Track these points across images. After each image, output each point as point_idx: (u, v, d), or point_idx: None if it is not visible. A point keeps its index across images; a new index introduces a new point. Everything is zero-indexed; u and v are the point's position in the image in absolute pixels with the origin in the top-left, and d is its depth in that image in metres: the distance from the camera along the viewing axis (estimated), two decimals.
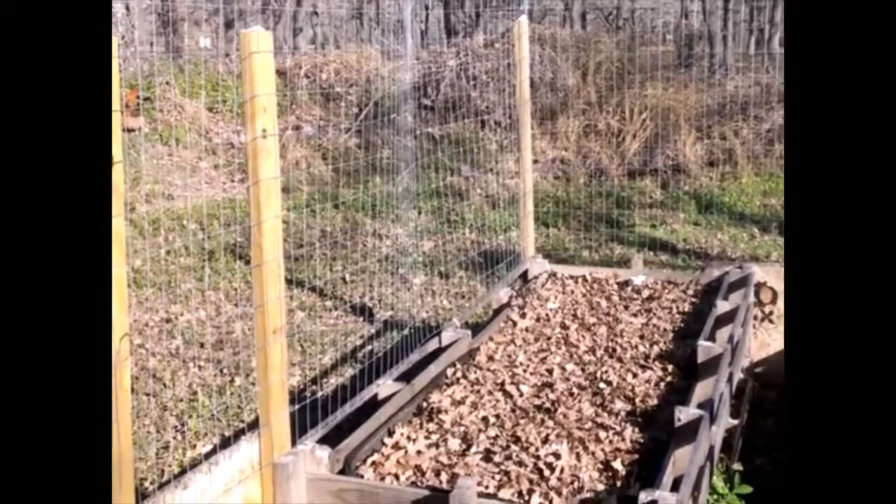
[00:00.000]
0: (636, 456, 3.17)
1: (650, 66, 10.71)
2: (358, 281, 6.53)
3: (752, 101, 10.90)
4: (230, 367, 4.96)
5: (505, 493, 2.86)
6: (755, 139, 9.86)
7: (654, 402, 3.74)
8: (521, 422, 3.38)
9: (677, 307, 4.83)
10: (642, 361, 4.11)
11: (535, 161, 9.14)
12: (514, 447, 3.15)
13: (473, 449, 3.14)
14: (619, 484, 2.96)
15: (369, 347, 5.41)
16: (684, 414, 3.28)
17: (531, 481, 2.91)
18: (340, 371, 5.11)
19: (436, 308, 6.02)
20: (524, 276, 5.35)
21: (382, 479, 2.99)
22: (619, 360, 4.10)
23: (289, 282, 6.10)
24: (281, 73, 11.35)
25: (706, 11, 16.11)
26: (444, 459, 3.08)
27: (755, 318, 5.40)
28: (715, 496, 3.70)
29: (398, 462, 3.08)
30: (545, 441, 3.19)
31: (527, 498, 2.82)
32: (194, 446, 4.10)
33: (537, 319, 4.60)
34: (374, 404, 3.50)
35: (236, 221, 6.96)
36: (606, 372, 3.92)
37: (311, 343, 5.41)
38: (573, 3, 17.27)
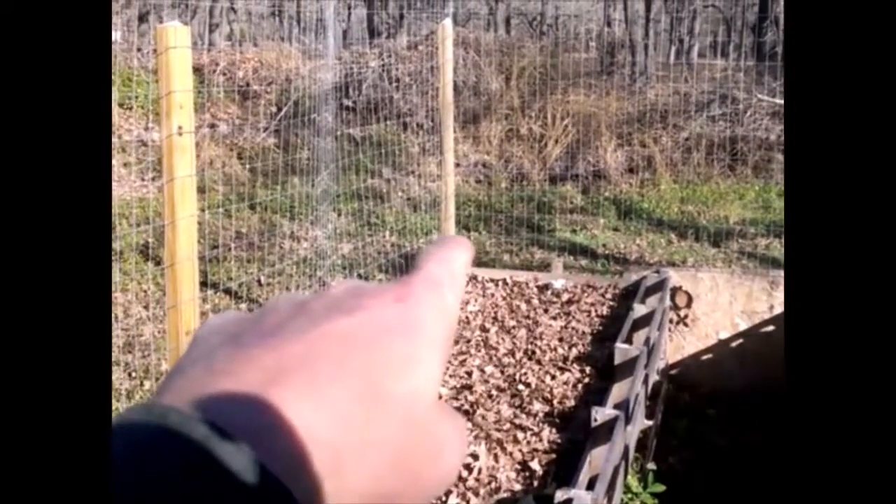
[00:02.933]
0: (553, 456, 3.25)
1: (573, 72, 10.94)
2: (274, 283, 6.48)
3: (671, 110, 11.25)
4: (139, 371, 4.87)
5: None
6: (674, 147, 10.18)
7: (572, 403, 3.83)
8: None
9: (596, 310, 4.96)
10: (561, 363, 4.21)
11: (458, 165, 9.22)
12: None
13: None
14: (535, 484, 3.03)
15: None
16: (601, 414, 3.39)
17: None
18: None
19: None
20: None
21: None
22: (538, 362, 4.19)
23: (202, 284, 6.00)
24: (196, 69, 11.15)
25: (628, 20, 16.55)
26: None
27: (671, 321, 5.59)
28: (629, 495, 3.82)
29: None
30: None
31: (444, 498, 2.87)
32: None
33: (457, 322, 4.66)
34: None
35: (147, 221, 6.82)
36: (525, 374, 4.01)
37: None
38: (497, 8, 17.52)
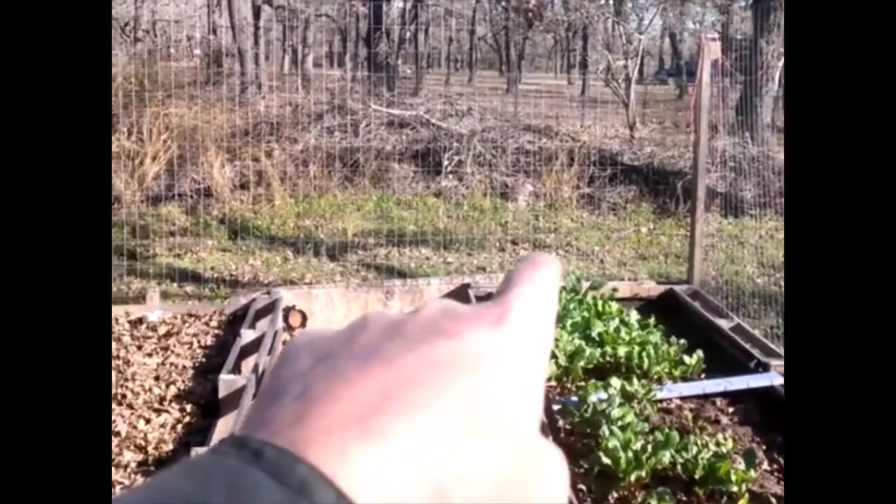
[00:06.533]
0: None
1: (174, 82, 10.63)
2: None
3: (285, 122, 11.40)
4: None
5: None
6: (288, 160, 10.31)
7: (170, 447, 3.66)
8: None
9: (199, 341, 4.80)
10: (157, 405, 4.00)
11: None
12: None
13: None
14: None
15: None
16: None
17: None
18: None
19: None
20: None
21: None
22: (130, 406, 3.95)
23: None
24: None
25: (235, 27, 16.48)
26: None
27: (284, 343, 5.60)
28: None
29: None
30: None
31: None
32: None
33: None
34: None
35: None
36: (114, 422, 3.76)
37: None
38: None
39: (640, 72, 17.43)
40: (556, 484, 0.34)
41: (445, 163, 10.75)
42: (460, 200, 10.09)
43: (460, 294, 5.92)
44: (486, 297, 5.05)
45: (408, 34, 21.20)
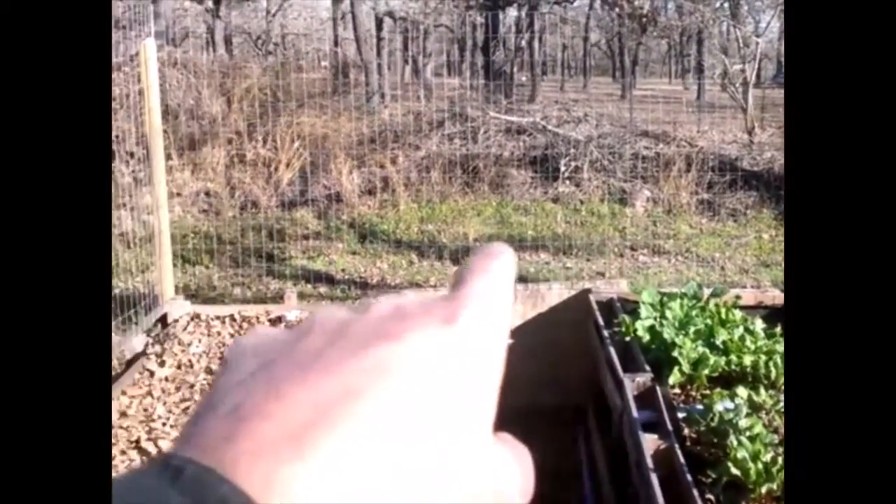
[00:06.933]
0: None
1: (305, 93, 10.95)
2: None
3: (407, 130, 11.57)
4: None
5: None
6: (411, 167, 10.47)
7: None
8: None
9: None
10: None
11: (178, 194, 8.87)
12: None
13: None
14: None
15: None
16: None
17: None
18: None
19: None
20: (163, 321, 5.14)
21: None
22: None
23: None
24: None
25: (358, 39, 16.84)
26: None
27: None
28: None
29: None
30: None
31: None
32: None
33: (179, 367, 4.44)
34: None
35: None
36: None
37: None
38: (216, 26, 17.16)
39: (758, 76, 16.92)
40: (510, 486, 0.33)
41: (562, 168, 10.71)
42: (578, 206, 10.04)
43: (581, 299, 5.88)
44: (606, 303, 5.02)
45: (523, 42, 21.17)
